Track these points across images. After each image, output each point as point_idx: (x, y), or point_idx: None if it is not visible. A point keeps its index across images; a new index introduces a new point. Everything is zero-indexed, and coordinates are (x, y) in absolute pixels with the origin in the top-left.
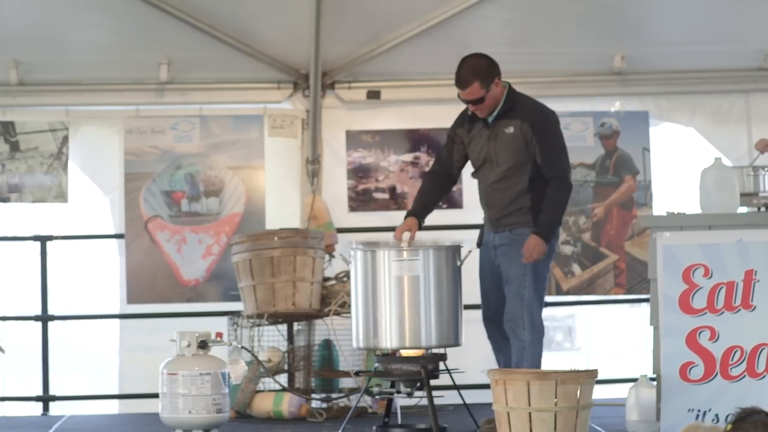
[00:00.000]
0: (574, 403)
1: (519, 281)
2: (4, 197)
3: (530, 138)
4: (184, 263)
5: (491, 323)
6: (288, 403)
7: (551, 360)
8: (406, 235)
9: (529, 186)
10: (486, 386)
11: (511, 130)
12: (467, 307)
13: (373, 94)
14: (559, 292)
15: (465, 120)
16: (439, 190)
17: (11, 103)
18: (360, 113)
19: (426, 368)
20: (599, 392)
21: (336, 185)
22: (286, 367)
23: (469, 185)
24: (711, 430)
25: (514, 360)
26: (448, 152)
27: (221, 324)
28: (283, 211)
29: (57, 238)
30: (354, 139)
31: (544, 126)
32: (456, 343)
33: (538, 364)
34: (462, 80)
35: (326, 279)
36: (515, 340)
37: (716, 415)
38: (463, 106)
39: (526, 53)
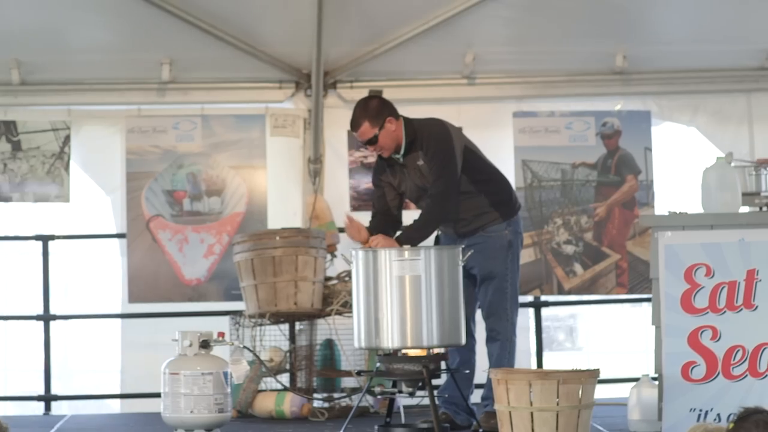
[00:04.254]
0: (576, 403)
1: (501, 277)
2: (6, 197)
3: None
4: (186, 263)
5: None
6: (290, 403)
7: (553, 360)
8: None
9: (476, 190)
10: None
11: (421, 162)
12: None
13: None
14: (560, 291)
15: (384, 165)
16: (389, 227)
17: (13, 102)
18: None
19: (428, 368)
20: (601, 392)
21: (338, 185)
22: (287, 366)
23: None
24: (717, 430)
25: (496, 353)
26: (379, 200)
27: (223, 323)
28: (284, 211)
29: (59, 237)
30: (355, 138)
31: (431, 151)
32: (457, 342)
33: (513, 360)
34: (353, 122)
35: (328, 278)
36: (494, 334)
37: (718, 415)
38: None
39: (527, 52)
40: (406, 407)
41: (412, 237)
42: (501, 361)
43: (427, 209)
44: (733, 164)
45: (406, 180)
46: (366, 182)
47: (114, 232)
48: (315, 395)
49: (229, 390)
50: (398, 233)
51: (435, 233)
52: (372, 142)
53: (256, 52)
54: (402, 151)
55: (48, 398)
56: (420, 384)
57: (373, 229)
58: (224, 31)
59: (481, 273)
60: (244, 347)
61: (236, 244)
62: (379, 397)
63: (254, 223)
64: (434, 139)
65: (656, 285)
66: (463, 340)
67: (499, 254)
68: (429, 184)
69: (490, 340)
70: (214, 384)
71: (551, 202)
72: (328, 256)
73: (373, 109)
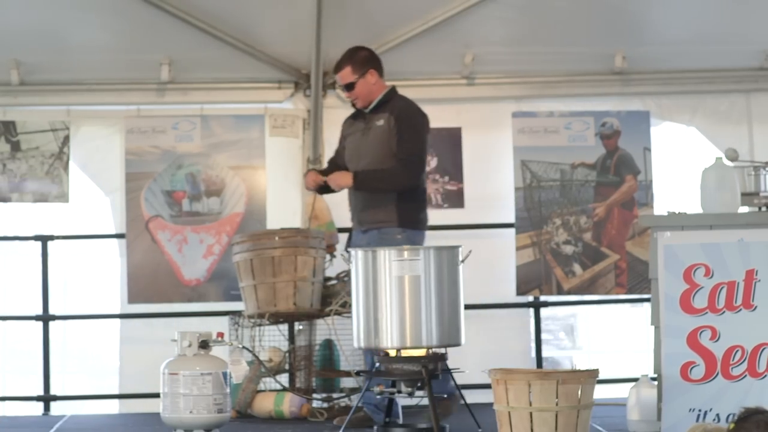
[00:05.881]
0: (575, 403)
1: None
2: (5, 197)
3: (392, 128)
4: (185, 263)
5: None
6: (289, 403)
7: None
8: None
9: None
10: (487, 386)
11: (381, 122)
12: (467, 306)
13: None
14: (560, 291)
15: (350, 116)
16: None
17: (12, 102)
18: None
19: (427, 368)
20: (600, 392)
21: None
22: (287, 366)
23: (470, 185)
24: (716, 430)
25: None
26: (337, 153)
27: (222, 324)
28: (284, 211)
29: (58, 237)
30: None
31: (406, 119)
32: (457, 342)
33: None
34: (337, 64)
35: (327, 279)
36: None
37: (717, 415)
38: None
39: (527, 53)
40: (404, 407)
41: (367, 179)
42: None
43: (393, 167)
44: (735, 163)
45: (355, 137)
46: None
47: (113, 232)
48: (314, 395)
49: (228, 390)
50: (357, 171)
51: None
52: (349, 87)
53: (255, 52)
54: (371, 107)
55: (47, 398)
56: (419, 384)
57: (327, 173)
58: (223, 32)
59: None
60: (244, 347)
61: (235, 245)
62: (378, 397)
63: (253, 223)
64: (412, 115)
65: (655, 285)
66: (463, 341)
67: None
68: (369, 150)
69: None
70: (213, 384)
71: (550, 203)
72: (328, 257)
73: (360, 58)
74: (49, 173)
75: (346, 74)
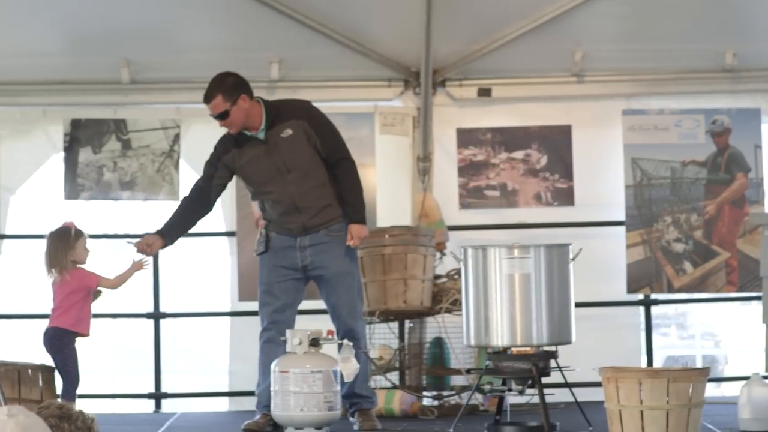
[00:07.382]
0: (686, 401)
1: (351, 275)
2: (116, 195)
3: (309, 131)
4: None
5: (276, 324)
6: (399, 401)
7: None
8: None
9: (329, 178)
10: (598, 384)
11: (289, 131)
12: (578, 305)
13: (484, 92)
14: (671, 289)
15: (230, 145)
16: (192, 215)
17: (123, 101)
18: (471, 111)
19: (537, 366)
20: (711, 390)
21: (447, 183)
22: (397, 364)
23: (580, 183)
24: None
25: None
26: (206, 179)
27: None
28: (394, 209)
29: None
30: (465, 136)
31: (317, 116)
32: (567, 340)
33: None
34: (206, 95)
35: (437, 277)
36: (354, 333)
37: None
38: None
39: (636, 50)
40: (515, 405)
41: (361, 207)
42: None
43: (349, 176)
44: None
45: (261, 160)
46: (475, 180)
47: (223, 230)
48: (424, 393)
49: (338, 388)
50: (355, 217)
51: (263, 233)
52: (223, 116)
53: (364, 50)
54: (263, 126)
55: (158, 396)
56: (529, 382)
57: (180, 211)
58: (333, 30)
59: (330, 272)
60: (354, 345)
61: None
62: (488, 395)
63: None
64: (316, 110)
65: (766, 283)
66: (573, 339)
67: (347, 253)
68: (292, 161)
69: (352, 340)
70: (323, 382)
71: (661, 200)
72: (438, 254)
73: (228, 85)
74: (159, 171)
75: (218, 104)
